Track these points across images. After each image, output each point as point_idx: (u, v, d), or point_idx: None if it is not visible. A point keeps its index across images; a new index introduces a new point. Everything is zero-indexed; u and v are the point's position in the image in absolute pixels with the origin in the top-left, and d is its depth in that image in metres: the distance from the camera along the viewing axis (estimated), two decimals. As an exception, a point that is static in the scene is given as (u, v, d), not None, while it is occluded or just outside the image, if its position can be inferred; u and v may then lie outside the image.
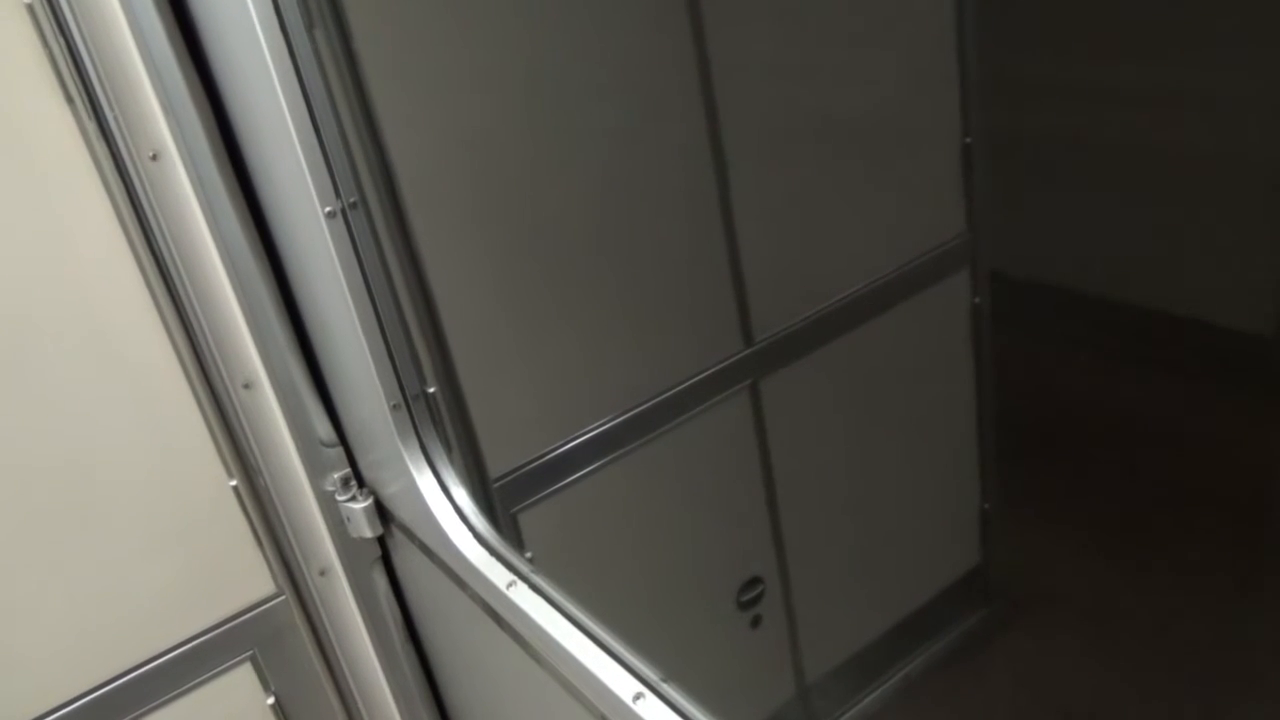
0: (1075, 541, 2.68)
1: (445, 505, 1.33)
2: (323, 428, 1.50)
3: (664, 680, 1.00)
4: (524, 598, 1.19)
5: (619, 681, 1.02)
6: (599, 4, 1.62)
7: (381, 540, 1.58)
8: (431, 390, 1.39)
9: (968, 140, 2.12)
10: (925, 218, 2.17)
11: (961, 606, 2.59)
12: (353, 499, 1.53)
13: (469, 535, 1.31)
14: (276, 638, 1.57)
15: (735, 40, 1.76)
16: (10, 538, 1.34)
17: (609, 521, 1.89)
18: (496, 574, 1.24)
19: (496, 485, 1.71)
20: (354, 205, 1.23)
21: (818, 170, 1.98)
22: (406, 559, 1.55)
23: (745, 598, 2.15)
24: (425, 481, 1.35)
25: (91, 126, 1.25)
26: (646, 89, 1.72)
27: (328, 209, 1.21)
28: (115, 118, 1.25)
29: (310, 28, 1.18)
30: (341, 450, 1.52)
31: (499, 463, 1.70)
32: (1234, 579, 2.41)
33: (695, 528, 2.04)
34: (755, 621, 2.19)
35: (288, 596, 1.55)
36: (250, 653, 1.55)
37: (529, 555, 1.76)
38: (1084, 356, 3.08)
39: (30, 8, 1.19)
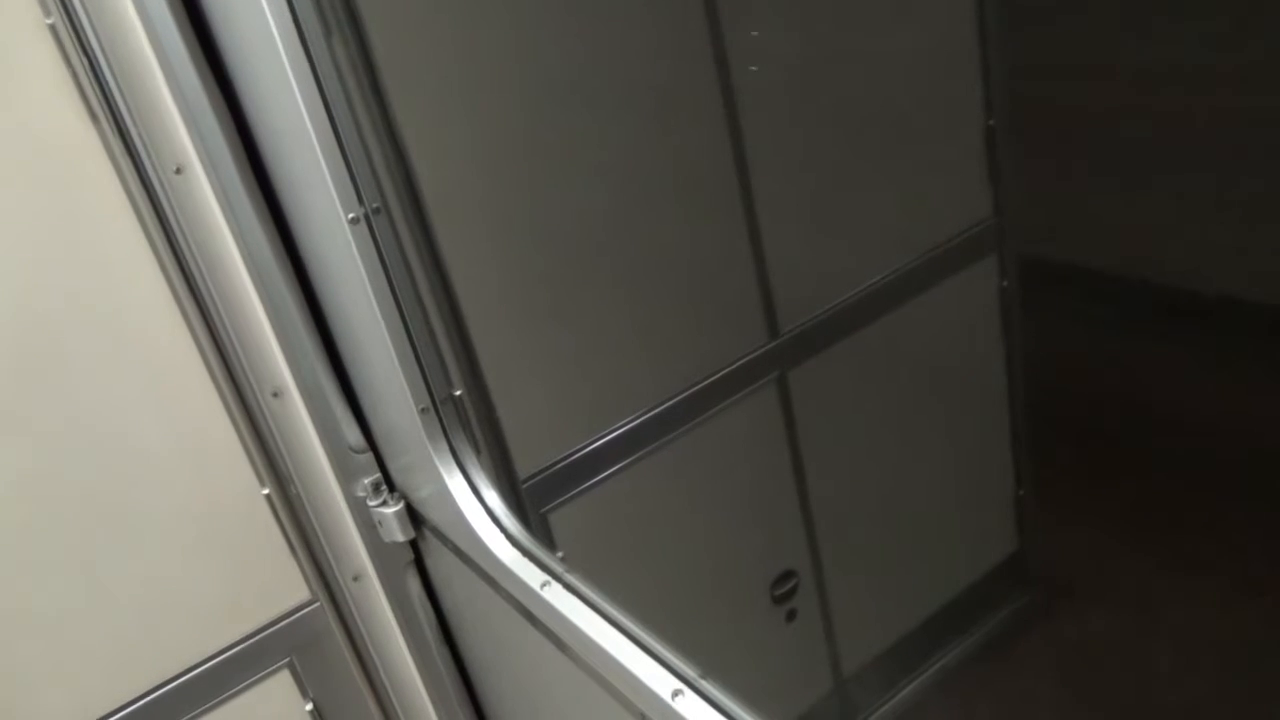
0: (1113, 527, 2.65)
1: (476, 507, 1.34)
2: (352, 434, 1.51)
3: (703, 676, 1.00)
4: (558, 597, 1.19)
5: (657, 679, 1.02)
6: (617, 4, 1.62)
7: (414, 544, 1.59)
8: (458, 393, 1.39)
9: (991, 123, 2.10)
10: (951, 203, 2.15)
11: (999, 595, 2.57)
12: (384, 504, 1.54)
13: (501, 536, 1.31)
14: (313, 644, 1.58)
15: (752, 31, 1.75)
16: (47, 553, 1.36)
17: (639, 519, 1.89)
18: (530, 574, 1.25)
19: (525, 486, 1.71)
20: (377, 211, 1.23)
21: (840, 158, 1.97)
22: (439, 562, 1.56)
23: (779, 591, 2.14)
24: (456, 484, 1.35)
25: (116, 143, 1.26)
26: (665, 84, 1.72)
27: (351, 215, 1.21)
28: (139, 133, 1.27)
29: (328, 36, 1.18)
30: (371, 455, 1.53)
31: (527, 463, 1.70)
32: (1276, 564, 2.38)
33: (727, 522, 2.03)
34: (790, 615, 2.19)
35: (322, 603, 1.56)
36: (287, 659, 1.56)
37: (560, 555, 1.76)
38: (1117, 339, 3.05)
39: (52, 28, 1.20)
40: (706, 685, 0.98)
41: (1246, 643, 2.28)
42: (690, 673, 1.01)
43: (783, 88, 1.84)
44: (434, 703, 1.72)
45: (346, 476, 1.53)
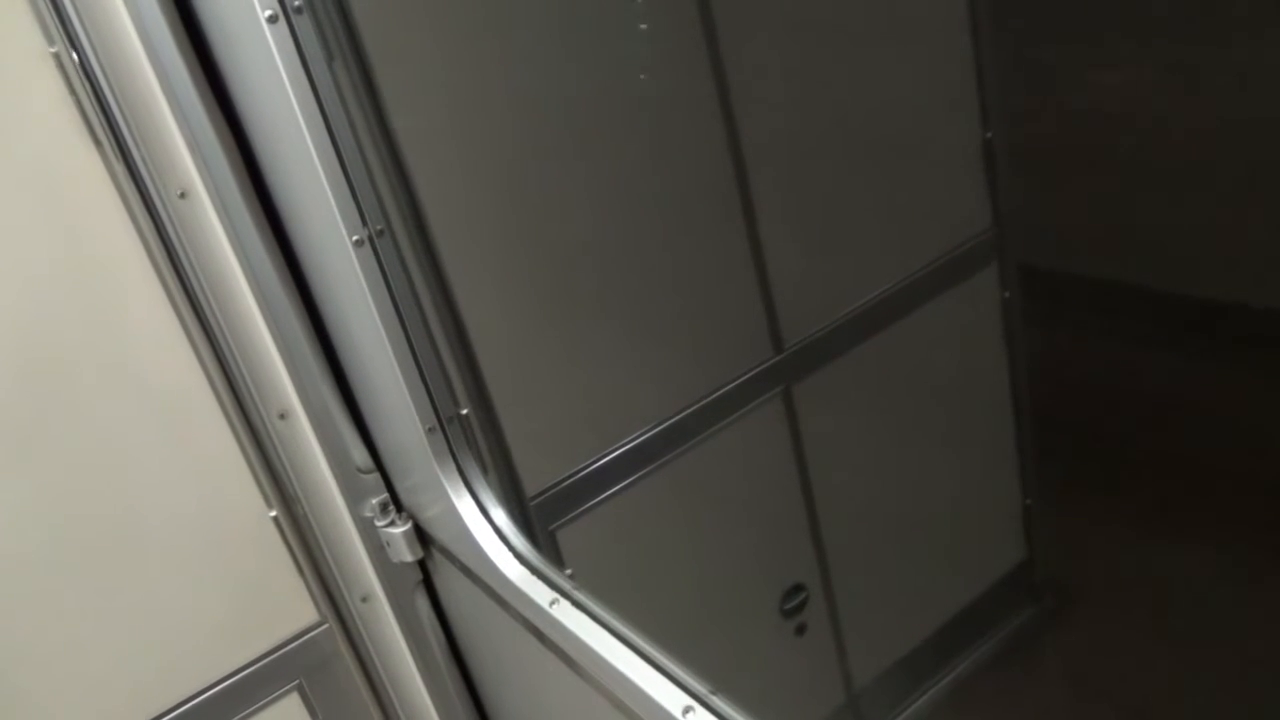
0: (1122, 533, 2.64)
1: (484, 526, 1.34)
2: (359, 454, 1.51)
3: (713, 693, 0.99)
4: (567, 614, 1.19)
5: (667, 695, 1.02)
6: (614, 24, 1.63)
7: (422, 564, 1.59)
8: (465, 412, 1.39)
9: (988, 135, 2.11)
10: (950, 215, 2.16)
11: (1009, 604, 2.56)
12: (391, 524, 1.54)
13: (509, 555, 1.31)
14: (322, 666, 1.58)
15: (749, 49, 1.76)
16: (53, 578, 1.36)
17: (648, 534, 1.88)
18: (538, 592, 1.24)
19: (533, 503, 1.71)
20: (381, 233, 1.24)
21: (840, 173, 1.98)
22: (448, 581, 1.56)
23: (789, 605, 2.14)
24: (464, 503, 1.35)
25: (120, 168, 1.27)
26: (666, 103, 1.72)
27: (355, 237, 1.22)
28: (143, 158, 1.27)
29: (330, 60, 1.19)
30: (379, 476, 1.53)
31: (535, 481, 1.70)
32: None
33: (735, 537, 2.03)
34: (800, 629, 2.18)
35: (331, 624, 1.56)
36: (297, 682, 1.56)
37: (569, 572, 1.76)
38: (1119, 345, 3.04)
39: (56, 56, 1.21)
40: (717, 701, 0.98)
41: (1258, 646, 2.27)
42: (701, 689, 1.00)
43: (781, 105, 1.85)
44: (444, 723, 1.72)
45: (354, 497, 1.53)
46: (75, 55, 1.21)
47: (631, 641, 1.10)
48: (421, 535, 1.55)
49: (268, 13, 1.12)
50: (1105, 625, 2.50)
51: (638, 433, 1.81)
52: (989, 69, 2.07)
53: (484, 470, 1.40)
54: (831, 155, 1.96)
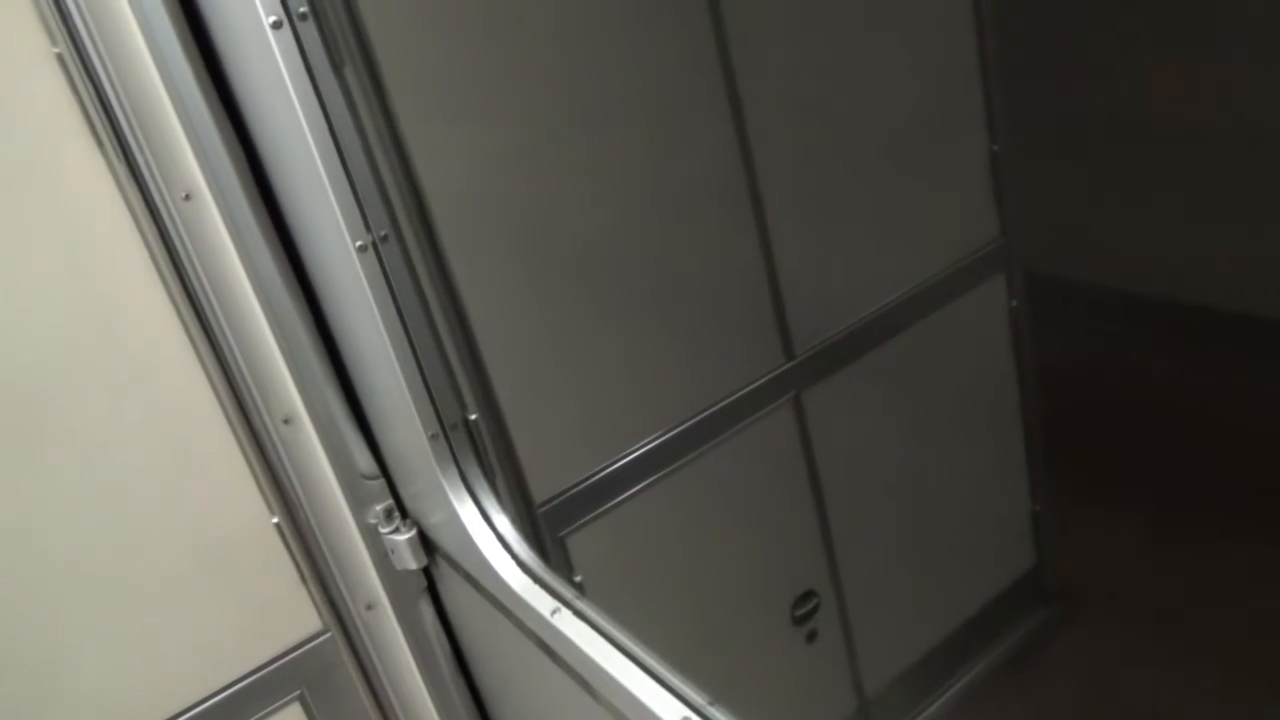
0: (1130, 539, 2.64)
1: (487, 533, 1.33)
2: (363, 460, 1.50)
3: (711, 703, 0.98)
4: (568, 624, 1.18)
5: (665, 706, 1.01)
6: (626, 27, 1.62)
7: (427, 571, 1.58)
8: (473, 418, 1.38)
9: (995, 148, 2.12)
10: (958, 225, 2.16)
11: (1019, 610, 2.55)
12: (396, 531, 1.53)
13: (512, 563, 1.30)
14: (325, 675, 1.56)
15: (761, 57, 1.76)
16: (55, 585, 1.35)
17: (658, 541, 1.87)
18: (540, 601, 1.23)
19: (542, 510, 1.70)
20: (385, 239, 1.23)
21: (851, 183, 1.97)
22: (452, 589, 1.55)
23: (800, 612, 2.13)
24: (466, 511, 1.34)
25: (123, 169, 1.26)
26: (679, 109, 1.72)
27: (358, 243, 1.21)
28: (146, 160, 1.27)
29: (341, 66, 1.19)
30: (383, 482, 1.52)
31: (544, 487, 1.69)
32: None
33: (746, 543, 2.02)
34: (811, 636, 2.17)
35: (334, 633, 1.55)
36: (299, 692, 1.54)
37: (578, 579, 1.75)
38: (1126, 352, 3.04)
39: (59, 57, 1.21)
40: (715, 712, 0.97)
41: (1266, 648, 2.26)
42: (699, 700, 0.99)
43: (792, 115, 1.84)
44: (449, 733, 1.71)
45: (358, 503, 1.52)
46: (79, 56, 1.21)
47: (631, 652, 1.09)
48: (426, 542, 1.54)
49: (272, 19, 1.12)
50: (1114, 629, 2.50)
51: (648, 439, 1.81)
52: (995, 82, 2.07)
53: (489, 477, 1.39)
54: (842, 164, 1.95)
